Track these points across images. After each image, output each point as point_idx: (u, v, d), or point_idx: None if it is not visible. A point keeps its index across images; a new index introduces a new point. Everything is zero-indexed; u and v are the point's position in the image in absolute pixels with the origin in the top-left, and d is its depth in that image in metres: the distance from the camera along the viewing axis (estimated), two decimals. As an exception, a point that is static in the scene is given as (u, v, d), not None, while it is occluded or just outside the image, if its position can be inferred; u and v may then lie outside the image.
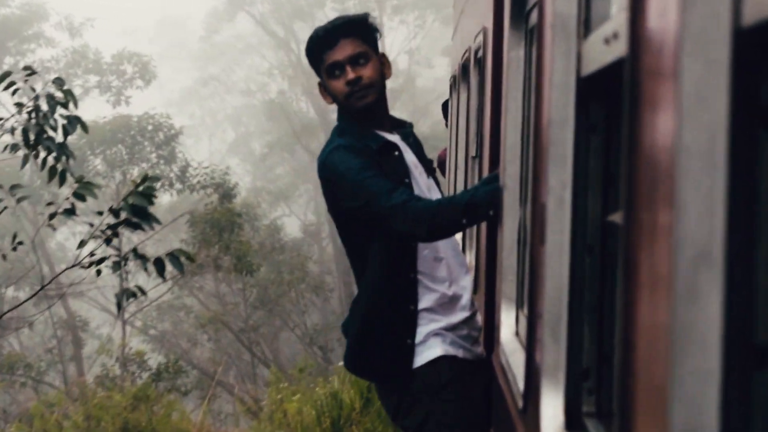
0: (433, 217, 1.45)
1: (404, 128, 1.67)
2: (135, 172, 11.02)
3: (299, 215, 17.24)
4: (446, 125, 3.57)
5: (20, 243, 2.83)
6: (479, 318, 1.66)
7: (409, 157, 1.61)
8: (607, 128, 0.95)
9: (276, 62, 18.09)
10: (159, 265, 2.58)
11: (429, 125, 13.78)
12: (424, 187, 1.61)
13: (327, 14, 16.92)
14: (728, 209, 0.53)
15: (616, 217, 0.83)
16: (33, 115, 2.87)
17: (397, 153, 1.58)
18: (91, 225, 2.74)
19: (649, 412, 0.61)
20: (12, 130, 2.93)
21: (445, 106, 3.69)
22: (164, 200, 12.28)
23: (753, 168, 0.55)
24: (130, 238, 10.76)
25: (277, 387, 5.62)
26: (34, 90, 2.99)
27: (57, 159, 2.85)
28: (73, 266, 2.81)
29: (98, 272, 2.74)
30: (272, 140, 16.69)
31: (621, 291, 0.70)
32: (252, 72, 20.12)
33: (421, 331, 1.56)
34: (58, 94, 2.85)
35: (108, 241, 2.67)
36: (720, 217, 0.53)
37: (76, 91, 13.47)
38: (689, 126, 0.56)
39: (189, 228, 9.59)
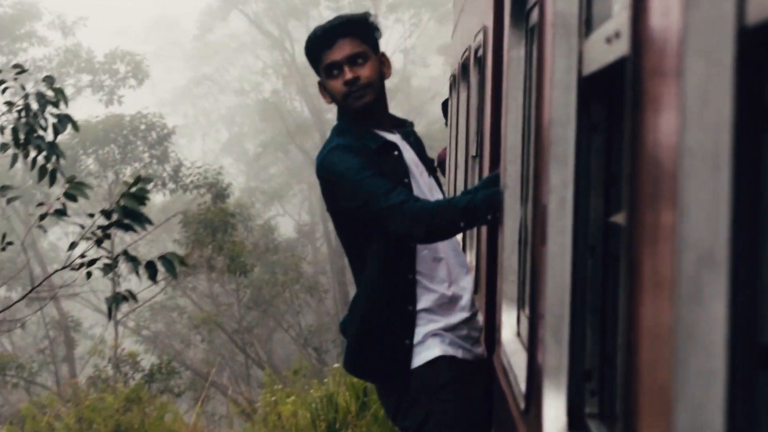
0: (431, 218, 1.45)
1: (405, 127, 1.67)
2: (127, 172, 10.96)
3: (293, 215, 17.20)
4: (446, 124, 3.57)
5: (10, 243, 2.79)
6: (480, 318, 1.65)
7: (410, 156, 1.61)
8: (609, 128, 0.94)
9: (270, 61, 18.05)
10: (151, 268, 2.55)
11: (424, 125, 13.78)
12: (425, 186, 1.60)
13: (321, 13, 16.90)
14: (732, 210, 0.52)
15: (618, 218, 0.82)
16: (23, 113, 2.84)
17: (396, 152, 1.58)
18: (82, 227, 2.70)
19: (653, 414, 0.61)
20: (1, 129, 2.90)
21: (445, 105, 3.69)
22: (157, 200, 12.22)
23: (757, 168, 0.55)
24: (123, 239, 10.70)
25: (272, 389, 5.60)
26: (24, 88, 2.95)
27: (47, 158, 2.82)
28: (63, 268, 2.78)
29: (88, 275, 2.68)
30: (266, 140, 16.65)
31: (624, 292, 0.69)
32: (246, 71, 20.06)
33: (420, 332, 1.55)
34: (49, 93, 2.82)
35: (99, 243, 2.63)
36: (724, 217, 0.53)
37: (69, 91, 13.43)
38: (692, 126, 0.55)
39: (182, 228, 9.55)
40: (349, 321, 1.63)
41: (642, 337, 0.65)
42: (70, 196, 2.62)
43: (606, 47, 0.82)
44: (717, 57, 0.53)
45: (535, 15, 1.30)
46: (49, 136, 2.86)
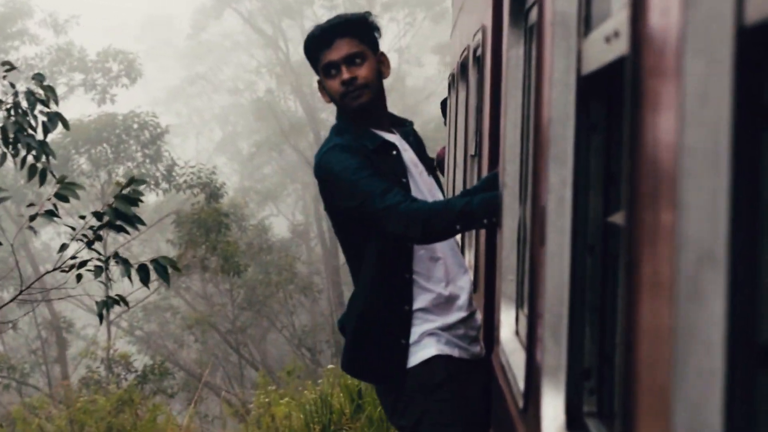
0: (428, 220, 1.45)
1: (404, 127, 1.67)
2: (120, 172, 10.89)
3: (287, 215, 17.17)
4: (445, 124, 3.59)
5: (-1, 243, 2.75)
6: (478, 317, 1.65)
7: (408, 156, 1.61)
8: (608, 127, 0.94)
9: (264, 60, 18.00)
10: (143, 272, 2.51)
11: (419, 124, 13.71)
12: (424, 186, 1.60)
13: (315, 12, 16.86)
14: (731, 209, 0.52)
15: (617, 218, 0.82)
16: (12, 112, 2.80)
17: (395, 152, 1.58)
18: (73, 229, 2.66)
19: (652, 413, 0.61)
20: (-10, 128, 2.86)
21: (444, 105, 3.70)
22: (150, 200, 12.15)
23: (756, 167, 0.55)
24: (115, 239, 10.64)
25: (265, 390, 5.58)
26: (13, 86, 2.91)
27: (37, 158, 2.78)
28: (53, 270, 2.75)
29: (78, 278, 2.63)
30: (260, 139, 16.60)
31: (623, 291, 0.69)
32: (240, 70, 20.00)
33: (416, 331, 1.56)
34: (39, 91, 2.79)
35: (90, 244, 2.59)
36: (723, 217, 0.52)
37: (61, 89, 13.34)
38: (691, 125, 0.55)
39: (175, 228, 9.50)
40: (346, 320, 1.64)
41: (641, 336, 0.65)
42: (61, 197, 2.59)
43: (605, 46, 0.82)
44: (716, 56, 0.53)
45: (534, 14, 1.31)
46: (39, 134, 2.83)
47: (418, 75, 18.14)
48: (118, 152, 10.91)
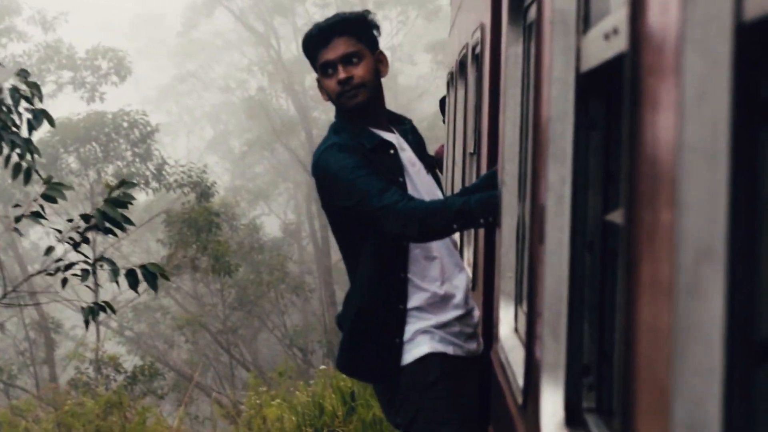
0: (425, 219, 1.46)
1: (403, 125, 1.67)
2: (109, 171, 10.79)
3: (279, 214, 17.12)
4: (444, 122, 3.60)
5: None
6: (475, 315, 1.65)
7: (406, 155, 1.61)
8: (607, 125, 0.94)
9: (256, 58, 17.91)
10: (131, 277, 2.45)
11: (410, 124, 13.70)
12: (421, 185, 1.60)
13: (308, 10, 16.80)
14: (730, 206, 0.52)
15: (616, 217, 0.81)
16: (-5, 109, 2.74)
17: (392, 151, 1.58)
18: (60, 231, 2.62)
19: (651, 409, 0.61)
20: (-28, 126, 2.80)
21: (442, 103, 3.71)
22: (140, 199, 12.07)
23: (755, 164, 0.55)
24: (105, 239, 10.54)
25: (256, 391, 5.54)
26: (-4, 83, 2.85)
27: (21, 156, 2.73)
28: (38, 273, 2.70)
29: (63, 282, 2.56)
30: (251, 138, 16.53)
31: (623, 288, 0.69)
32: (231, 68, 19.91)
33: (409, 330, 1.56)
34: (23, 87, 2.73)
35: (76, 246, 2.55)
36: (722, 213, 0.53)
37: (49, 87, 13.18)
38: (690, 122, 0.55)
39: (165, 228, 9.44)
40: (343, 318, 1.64)
41: (640, 332, 0.65)
42: (49, 198, 2.54)
43: (604, 44, 0.82)
44: (715, 53, 0.53)
45: (533, 12, 1.31)
46: (23, 132, 2.78)
47: (411, 73, 18.14)
48: (108, 151, 10.81)
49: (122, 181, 2.57)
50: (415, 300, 1.56)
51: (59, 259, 2.62)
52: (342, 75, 1.54)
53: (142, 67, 18.21)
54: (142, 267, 2.51)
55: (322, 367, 5.97)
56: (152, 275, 2.49)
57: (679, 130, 0.56)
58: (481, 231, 1.94)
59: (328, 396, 4.18)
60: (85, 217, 2.56)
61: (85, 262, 2.58)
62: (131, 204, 2.55)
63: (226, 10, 17.22)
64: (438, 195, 1.63)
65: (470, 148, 2.38)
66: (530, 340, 1.13)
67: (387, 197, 1.46)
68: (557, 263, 0.97)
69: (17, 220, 2.61)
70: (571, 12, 0.95)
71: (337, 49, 1.55)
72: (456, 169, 2.81)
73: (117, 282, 2.51)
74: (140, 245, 13.82)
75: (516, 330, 1.45)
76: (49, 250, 2.56)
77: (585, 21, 0.94)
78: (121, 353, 9.44)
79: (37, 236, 15.09)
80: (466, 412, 1.56)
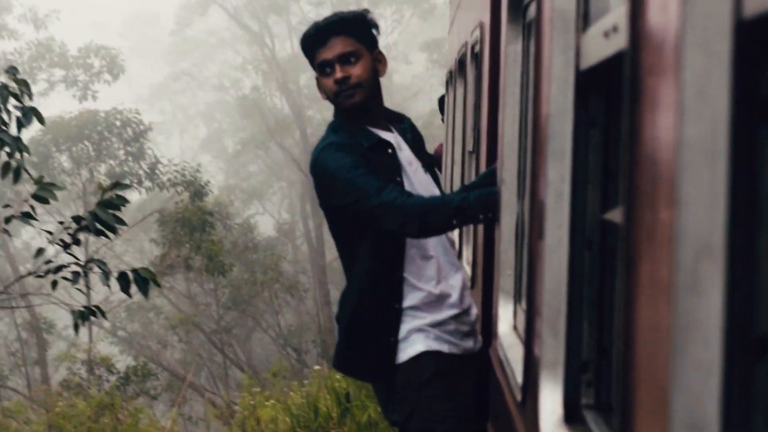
0: (424, 215, 1.47)
1: (402, 123, 1.68)
2: (102, 170, 10.73)
3: (273, 214, 17.09)
4: (443, 120, 3.61)
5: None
6: (473, 313, 1.66)
7: (404, 154, 1.62)
8: (607, 122, 0.94)
9: (250, 57, 17.86)
10: (123, 280, 2.42)
11: (405, 123, 13.70)
12: (419, 184, 1.61)
13: (302, 8, 16.77)
14: (729, 203, 0.53)
15: (614, 215, 0.82)
16: (-17, 107, 2.70)
17: (390, 151, 1.59)
18: (50, 233, 2.58)
19: (650, 406, 0.61)
20: (-39, 124, 2.76)
21: (441, 102, 3.72)
22: (133, 198, 12.00)
23: (754, 162, 0.55)
24: (98, 238, 10.45)
25: (250, 391, 5.52)
26: (-15, 81, 2.80)
27: (10, 154, 2.69)
28: (28, 275, 2.66)
29: (53, 284, 2.53)
30: (246, 137, 16.49)
31: (622, 286, 0.69)
32: (225, 67, 19.86)
33: (404, 328, 1.57)
34: (12, 85, 2.69)
35: (66, 247, 2.51)
36: (721, 211, 0.53)
37: (41, 86, 13.07)
38: (690, 120, 0.55)
39: (159, 227, 9.39)
40: (339, 317, 1.65)
41: (639, 329, 0.65)
42: (39, 198, 2.50)
43: (604, 41, 0.84)
44: (714, 51, 0.53)
45: (532, 10, 1.32)
46: (12, 130, 2.74)
47: (406, 72, 18.15)
48: (100, 150, 10.75)
49: (116, 183, 2.54)
50: (410, 299, 1.57)
51: (49, 261, 2.58)
52: (339, 74, 1.55)
53: (136, 66, 18.14)
54: (134, 271, 2.47)
55: (317, 367, 5.94)
56: (144, 280, 2.45)
57: (679, 127, 0.56)
58: (480, 229, 1.96)
59: (322, 397, 4.16)
60: (77, 219, 2.52)
61: (76, 264, 2.54)
62: (124, 206, 2.50)
63: (220, 8, 17.16)
64: (436, 194, 1.64)
65: (469, 147, 2.40)
66: (529, 338, 1.14)
67: (385, 194, 1.47)
68: (556, 261, 0.97)
69: (7, 220, 2.57)
70: (570, 10, 0.97)
71: (335, 48, 1.55)
72: (455, 167, 2.83)
73: (108, 285, 2.47)
74: (133, 245, 13.75)
75: (515, 327, 1.46)
76: (39, 252, 2.52)
77: (584, 19, 0.96)
78: (113, 353, 9.39)
79: (29, 236, 15.00)
80: (462, 410, 1.56)
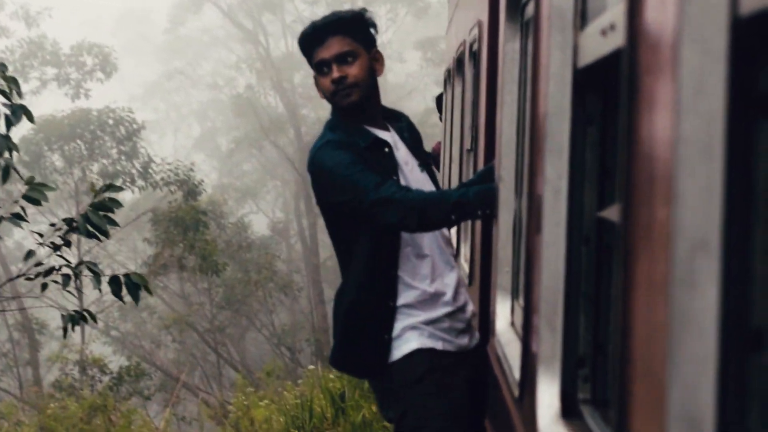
0: (423, 209, 1.48)
1: (400, 122, 1.68)
2: (95, 169, 10.66)
3: (267, 212, 17.05)
4: (440, 119, 3.62)
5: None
6: (468, 310, 1.66)
7: (401, 154, 1.63)
8: (604, 120, 0.94)
9: (244, 55, 17.80)
10: (114, 284, 2.38)
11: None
12: (414, 183, 1.62)
13: (297, 6, 16.72)
14: (725, 198, 0.53)
15: (610, 213, 0.82)
16: (-30, 105, 2.66)
17: (386, 150, 1.60)
18: (41, 235, 2.54)
19: (646, 399, 0.61)
20: (-51, 123, 2.71)
21: (439, 100, 3.73)
22: (126, 197, 11.93)
23: (750, 158, 0.55)
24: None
25: (244, 391, 5.50)
26: (-27, 79, 2.76)
27: (-1, 153, 2.66)
28: (17, 277, 2.63)
29: (43, 287, 2.49)
30: (239, 136, 16.44)
31: (618, 281, 0.70)
32: (219, 65, 19.79)
33: (398, 326, 1.58)
34: (0, 82, 2.66)
35: (56, 249, 2.48)
36: (717, 207, 0.53)
37: (33, 84, 12.95)
38: (686, 116, 0.55)
39: (152, 227, 9.34)
40: (335, 313, 1.66)
41: (636, 324, 0.65)
42: (30, 199, 2.47)
43: (601, 39, 0.84)
44: (711, 48, 0.53)
45: (530, 9, 1.33)
46: (1, 128, 2.70)
47: (400, 71, 18.15)
48: (93, 149, 10.68)
49: (109, 185, 2.51)
50: (404, 297, 1.57)
51: (39, 263, 2.55)
52: (336, 74, 1.56)
53: (129, 64, 18.03)
54: (126, 276, 2.45)
55: (311, 367, 5.93)
56: (135, 286, 2.43)
57: (676, 124, 0.56)
58: (478, 226, 1.97)
59: (317, 397, 4.14)
60: (69, 221, 2.49)
61: (67, 267, 2.50)
62: (116, 209, 2.48)
63: (214, 6, 17.09)
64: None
65: (467, 145, 2.41)
66: (526, 334, 1.15)
67: (384, 190, 1.48)
68: (554, 257, 0.97)
69: (-3, 222, 2.53)
70: (568, 8, 0.98)
71: (332, 48, 1.56)
72: (453, 166, 2.84)
73: (100, 290, 2.45)
74: (126, 244, 13.68)
75: (512, 324, 1.47)
76: (29, 254, 2.49)
77: (582, 17, 0.96)
78: (107, 354, 9.33)
79: (21, 235, 14.89)
80: (456, 407, 1.57)
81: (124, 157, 10.73)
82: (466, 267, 2.27)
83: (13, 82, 2.64)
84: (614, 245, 0.78)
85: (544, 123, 1.01)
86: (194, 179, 9.77)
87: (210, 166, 19.57)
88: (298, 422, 3.99)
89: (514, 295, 1.47)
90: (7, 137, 2.65)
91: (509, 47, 1.49)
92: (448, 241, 1.66)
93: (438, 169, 3.50)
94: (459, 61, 2.77)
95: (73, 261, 2.56)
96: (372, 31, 1.61)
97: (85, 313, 2.52)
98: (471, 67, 2.36)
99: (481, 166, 1.93)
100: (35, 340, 10.71)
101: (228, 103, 18.08)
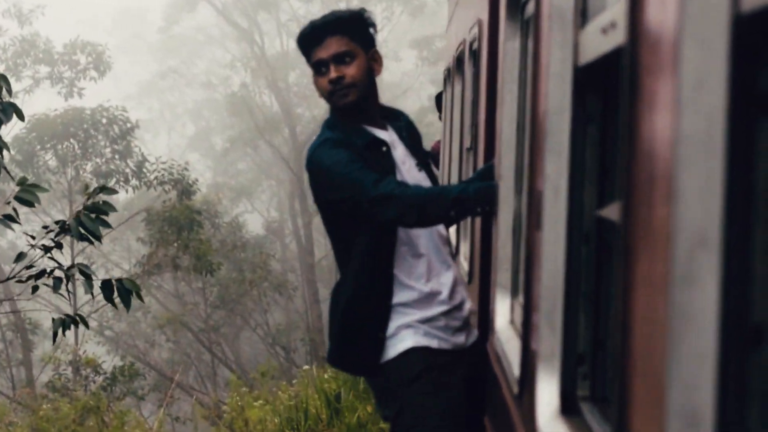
0: (423, 205, 1.49)
1: (398, 121, 1.69)
2: (88, 168, 10.59)
3: (262, 212, 17.01)
4: (440, 118, 3.62)
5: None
6: (465, 308, 1.67)
7: (398, 153, 1.63)
8: (604, 118, 0.94)
9: (239, 54, 17.74)
10: (106, 289, 2.35)
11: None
12: (412, 182, 1.62)
13: (292, 5, 16.69)
14: (725, 195, 0.53)
15: (610, 211, 0.82)
16: (-40, 103, 2.62)
17: (384, 149, 1.61)
18: (33, 237, 2.51)
19: (646, 396, 0.61)
20: (-61, 121, 2.67)
21: (438, 99, 3.74)
22: (120, 197, 11.89)
23: (751, 156, 0.55)
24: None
25: (239, 391, 5.48)
26: (-38, 77, 2.71)
27: (-12, 152, 2.61)
28: (7, 280, 2.60)
29: (34, 289, 2.47)
30: (234, 135, 16.39)
31: (618, 278, 0.70)
32: (213, 64, 19.72)
33: (393, 325, 1.59)
34: (-11, 80, 2.62)
35: (47, 251, 2.43)
36: (717, 204, 0.53)
37: (26, 83, 12.85)
38: (687, 114, 0.55)
39: (146, 226, 9.30)
40: (332, 311, 1.67)
41: (636, 321, 0.65)
42: (22, 200, 2.44)
43: (602, 37, 0.84)
44: (712, 46, 0.53)
45: (530, 7, 1.33)
46: (-9, 126, 2.67)
47: (395, 70, 18.15)
48: (86, 148, 10.61)
49: (102, 187, 2.49)
50: (400, 296, 1.58)
51: (31, 265, 2.52)
52: (333, 74, 1.56)
53: (123, 63, 17.94)
54: (118, 281, 2.43)
55: (306, 367, 5.92)
56: (127, 291, 2.41)
57: (676, 122, 0.56)
58: (478, 224, 1.97)
59: (311, 398, 4.13)
60: (61, 224, 2.46)
61: (59, 269, 2.47)
62: (109, 213, 2.45)
63: (209, 4, 17.02)
64: None
65: (467, 144, 2.42)
66: (526, 331, 1.16)
67: (383, 186, 1.49)
68: (553, 255, 0.98)
69: (-12, 224, 2.49)
70: (569, 6, 0.97)
71: (330, 48, 1.57)
72: (453, 164, 2.84)
73: (92, 294, 2.42)
74: (120, 243, 13.61)
75: (512, 321, 1.48)
76: (20, 256, 2.46)
77: (583, 15, 0.96)
78: (100, 353, 9.29)
79: (14, 235, 14.77)
80: (453, 405, 1.57)
81: (117, 156, 10.67)
82: (465, 265, 2.28)
83: (2, 79, 2.61)
84: (614, 243, 0.79)
85: (545, 121, 1.02)
86: (188, 178, 9.72)
87: (204, 165, 19.51)
88: (293, 423, 3.98)
89: (514, 293, 1.48)
90: (-3, 135, 2.62)
91: (509, 46, 1.50)
92: (446, 240, 1.66)
93: (437, 167, 3.51)
94: (459, 60, 2.77)
95: (67, 260, 2.53)
96: (371, 30, 1.62)
97: (77, 318, 2.49)
98: (471, 66, 2.38)
99: (481, 164, 1.93)
100: (28, 341, 10.64)
101: (223, 102, 18.02)
